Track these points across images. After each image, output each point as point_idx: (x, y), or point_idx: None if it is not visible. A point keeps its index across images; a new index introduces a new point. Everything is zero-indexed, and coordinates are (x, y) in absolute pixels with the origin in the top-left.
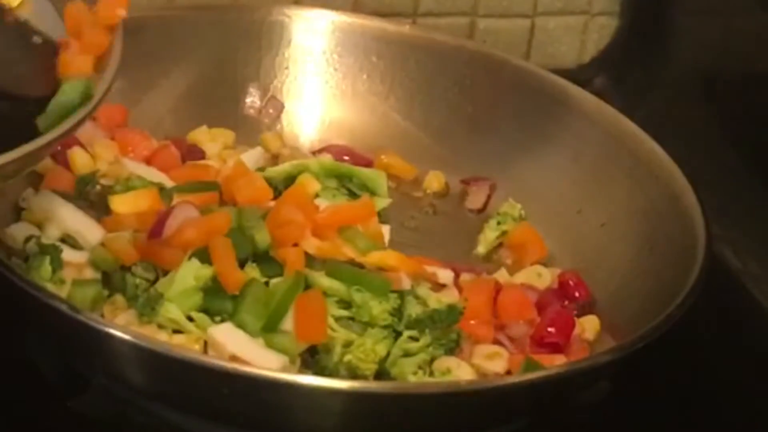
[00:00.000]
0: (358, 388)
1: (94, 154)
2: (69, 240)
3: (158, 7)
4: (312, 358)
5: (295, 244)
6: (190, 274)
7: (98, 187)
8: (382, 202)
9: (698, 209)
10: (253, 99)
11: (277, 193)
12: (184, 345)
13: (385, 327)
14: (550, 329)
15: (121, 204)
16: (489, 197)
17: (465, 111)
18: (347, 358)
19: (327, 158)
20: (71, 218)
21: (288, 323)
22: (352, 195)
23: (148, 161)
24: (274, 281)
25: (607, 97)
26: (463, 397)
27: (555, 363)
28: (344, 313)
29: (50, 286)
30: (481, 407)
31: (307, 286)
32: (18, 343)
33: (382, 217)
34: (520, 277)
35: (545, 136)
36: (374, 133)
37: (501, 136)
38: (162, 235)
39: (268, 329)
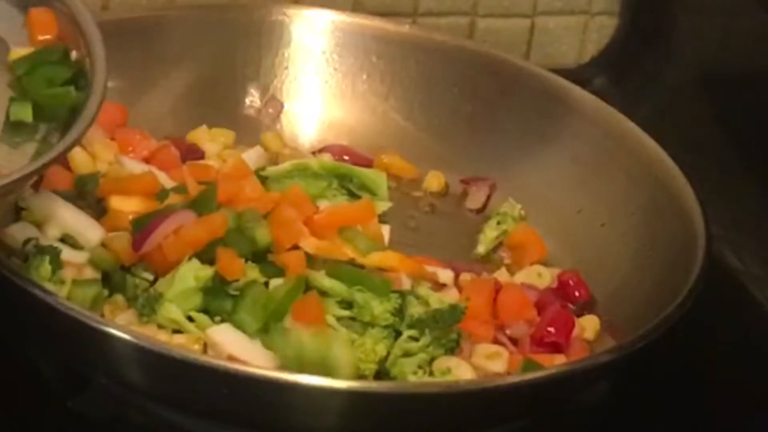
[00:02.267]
0: (358, 387)
1: (93, 153)
2: (69, 240)
3: (158, 7)
4: None
5: (296, 246)
6: (190, 274)
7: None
8: (383, 206)
9: (698, 209)
10: (253, 99)
11: None
12: (184, 345)
13: (386, 327)
14: (550, 329)
15: (121, 203)
16: (489, 197)
17: (465, 111)
18: None
19: (327, 158)
20: (71, 218)
21: (287, 324)
22: (352, 195)
23: (148, 161)
24: (273, 281)
25: (607, 97)
26: (463, 397)
27: (555, 363)
28: (345, 313)
29: (50, 286)
30: (481, 407)
31: (308, 286)
32: (18, 343)
33: (382, 217)
34: (520, 277)
35: (545, 136)
36: (374, 133)
37: (501, 136)
38: (143, 248)
39: (266, 331)
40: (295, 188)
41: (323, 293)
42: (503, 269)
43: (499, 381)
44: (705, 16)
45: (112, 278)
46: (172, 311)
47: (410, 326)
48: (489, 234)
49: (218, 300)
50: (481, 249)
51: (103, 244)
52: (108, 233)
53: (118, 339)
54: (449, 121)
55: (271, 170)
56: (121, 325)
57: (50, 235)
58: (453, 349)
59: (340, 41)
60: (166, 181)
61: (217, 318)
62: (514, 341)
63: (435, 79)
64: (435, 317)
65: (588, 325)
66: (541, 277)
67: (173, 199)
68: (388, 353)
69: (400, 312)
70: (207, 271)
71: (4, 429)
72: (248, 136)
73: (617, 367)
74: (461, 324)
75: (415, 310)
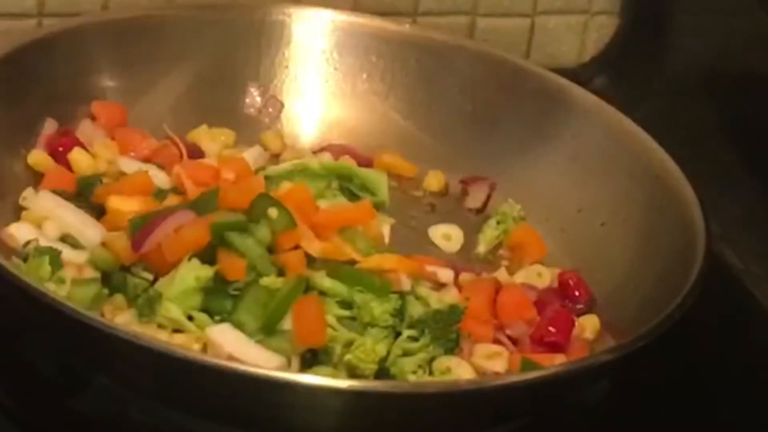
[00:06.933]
0: (358, 387)
1: (93, 153)
2: (69, 240)
3: (158, 7)
4: (313, 357)
5: (297, 246)
6: (190, 274)
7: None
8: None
9: (698, 209)
10: (253, 99)
11: None
12: (184, 344)
13: (386, 327)
14: (550, 328)
15: (120, 203)
16: (489, 197)
17: (465, 110)
18: (347, 357)
19: (327, 158)
20: (71, 218)
21: (287, 324)
22: (352, 195)
23: (149, 160)
24: (271, 279)
25: (607, 97)
26: (463, 397)
27: (555, 363)
28: (345, 313)
29: (50, 286)
30: (481, 407)
31: (309, 287)
32: (18, 343)
33: (382, 216)
34: (520, 277)
35: (545, 136)
36: (374, 132)
37: (500, 136)
38: (142, 248)
39: (266, 330)
40: (300, 188)
41: (323, 293)
42: (503, 269)
43: (499, 381)
44: (705, 16)
45: (112, 278)
46: (171, 311)
47: (410, 326)
48: (489, 234)
49: (218, 300)
50: (481, 249)
51: (103, 244)
52: (108, 233)
53: (118, 339)
54: (449, 121)
55: (271, 170)
56: (121, 325)
57: (50, 235)
58: (453, 349)
59: (340, 41)
60: (166, 180)
61: (217, 317)
62: (514, 341)
63: (435, 78)
64: (435, 317)
65: (588, 325)
66: (541, 277)
67: (172, 199)
68: (388, 353)
69: (399, 313)
70: (207, 272)
71: (4, 429)
72: (248, 135)
73: (617, 367)
74: (461, 324)
75: (415, 309)
